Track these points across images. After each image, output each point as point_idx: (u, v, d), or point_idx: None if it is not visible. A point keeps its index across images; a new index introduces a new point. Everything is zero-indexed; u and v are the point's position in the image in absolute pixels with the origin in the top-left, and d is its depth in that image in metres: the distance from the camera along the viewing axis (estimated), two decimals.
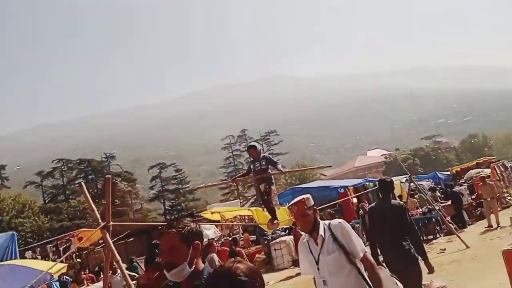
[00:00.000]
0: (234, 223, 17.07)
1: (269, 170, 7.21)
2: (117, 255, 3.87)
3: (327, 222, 3.09)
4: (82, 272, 15.93)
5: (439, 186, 19.03)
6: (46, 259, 17.43)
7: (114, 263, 9.14)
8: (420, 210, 13.65)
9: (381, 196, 5.23)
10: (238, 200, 49.87)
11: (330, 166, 10.26)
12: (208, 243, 9.62)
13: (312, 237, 3.04)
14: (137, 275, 9.25)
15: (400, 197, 14.90)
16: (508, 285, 3.45)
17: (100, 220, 3.89)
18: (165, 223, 2.23)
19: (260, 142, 70.84)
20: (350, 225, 13.41)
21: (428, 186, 18.56)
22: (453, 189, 15.43)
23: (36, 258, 17.58)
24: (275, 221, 7.46)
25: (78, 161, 54.45)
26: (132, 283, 8.44)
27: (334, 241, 2.95)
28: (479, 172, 18.74)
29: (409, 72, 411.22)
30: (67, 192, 51.40)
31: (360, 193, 15.85)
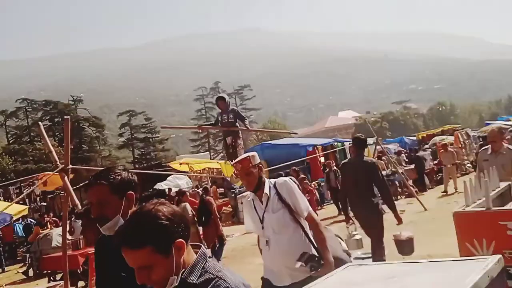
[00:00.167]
0: (203, 174, 17.17)
1: (237, 124, 7.16)
2: (76, 199, 3.81)
3: (272, 180, 3.02)
4: (46, 216, 15.80)
5: (404, 150, 19.65)
6: (9, 201, 17.14)
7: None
8: (385, 172, 14.11)
9: (354, 153, 5.50)
10: (208, 152, 50.10)
11: (296, 133, 10.34)
12: (181, 192, 9.74)
13: (257, 195, 2.96)
14: None
15: None
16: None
17: (58, 163, 3.77)
18: (94, 174, 2.02)
19: (234, 96, 70.28)
20: (316, 183, 13.71)
21: (394, 150, 19.13)
22: (417, 154, 15.97)
23: None
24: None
25: (44, 102, 52.56)
26: None
27: (279, 199, 2.89)
28: (443, 139, 19.39)
29: (386, 36, 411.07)
30: (32, 134, 49.85)
31: (327, 152, 16.16)
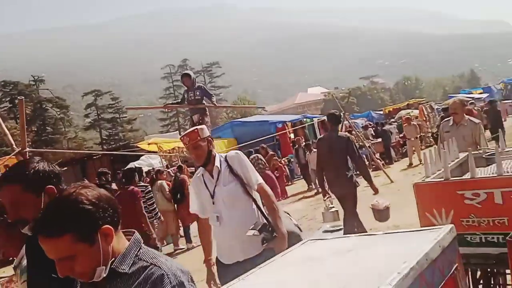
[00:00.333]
0: (171, 154, 16.99)
1: (204, 102, 7.08)
2: None
3: (223, 154, 2.96)
4: None
5: (372, 125, 20.07)
6: None
7: None
8: None
9: (329, 128, 5.67)
10: (178, 132, 49.56)
11: (263, 108, 10.33)
12: (157, 171, 9.83)
13: (207, 170, 2.86)
14: None
15: None
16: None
17: (14, 146, 3.62)
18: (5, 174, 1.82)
19: (202, 74, 69.29)
20: (286, 159, 13.84)
21: (362, 124, 19.50)
22: (383, 128, 16.35)
23: None
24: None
25: (3, 83, 50.15)
26: None
27: (230, 172, 2.81)
28: (409, 113, 19.90)
29: (355, 12, 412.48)
30: None
31: (296, 128, 16.29)
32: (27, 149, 3.70)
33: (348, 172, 5.29)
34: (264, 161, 5.75)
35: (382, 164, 12.66)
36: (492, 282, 2.98)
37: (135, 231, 1.39)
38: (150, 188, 7.24)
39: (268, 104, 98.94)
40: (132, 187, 6.14)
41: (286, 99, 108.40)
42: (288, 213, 3.41)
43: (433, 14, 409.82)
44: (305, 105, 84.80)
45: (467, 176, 3.03)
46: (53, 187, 1.73)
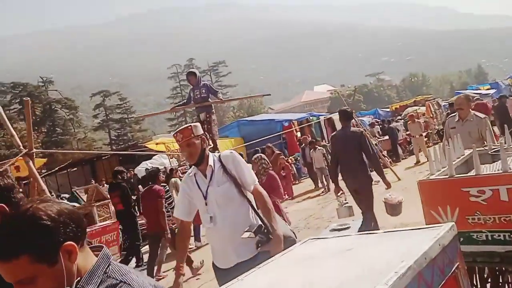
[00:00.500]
0: (179, 153, 17.04)
1: (210, 99, 7.10)
2: (43, 184, 3.71)
3: (217, 153, 2.87)
4: (21, 203, 15.45)
5: (379, 122, 19.98)
6: None
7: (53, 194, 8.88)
8: None
9: (342, 124, 5.76)
10: None
11: (269, 94, 10.19)
12: (171, 169, 9.95)
13: (200, 169, 2.75)
14: (77, 205, 9.14)
15: None
16: None
17: (21, 147, 3.65)
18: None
19: (209, 73, 69.40)
20: (293, 157, 13.78)
21: (369, 121, 19.41)
22: (390, 125, 16.26)
23: None
24: (215, 152, 7.44)
25: (12, 85, 50.61)
26: None
27: (224, 172, 2.70)
28: (416, 110, 19.77)
29: (360, 8, 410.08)
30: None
31: (302, 126, 16.25)
32: (34, 150, 3.74)
33: (364, 167, 5.38)
34: (268, 160, 5.72)
35: (389, 162, 12.60)
36: (501, 281, 2.95)
37: (103, 246, 1.28)
38: (168, 187, 7.32)
39: (275, 103, 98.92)
40: (156, 185, 6.31)
41: (292, 98, 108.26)
42: (285, 219, 3.31)
43: (438, 10, 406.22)
44: (311, 103, 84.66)
45: (472, 173, 3.01)
46: (3, 205, 1.56)
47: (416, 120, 14.22)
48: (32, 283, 1.11)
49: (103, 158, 21.42)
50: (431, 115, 18.54)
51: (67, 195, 14.01)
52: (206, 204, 2.69)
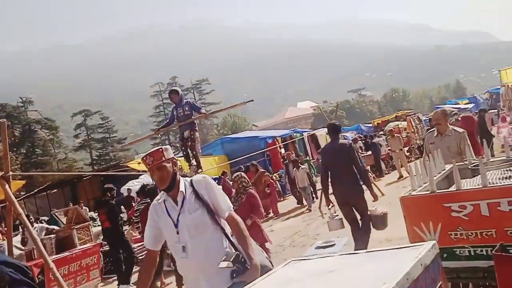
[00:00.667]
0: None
1: (193, 116, 7.07)
2: (19, 208, 3.62)
3: (188, 178, 2.67)
4: None
5: (361, 138, 20.19)
6: None
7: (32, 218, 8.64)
8: None
9: (331, 138, 5.90)
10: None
11: (251, 101, 10.22)
12: None
13: (170, 195, 2.57)
14: (56, 228, 8.90)
15: None
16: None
17: None
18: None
19: (192, 91, 69.48)
20: (278, 174, 13.69)
21: (351, 137, 19.59)
22: (373, 141, 16.42)
23: None
24: (199, 170, 7.37)
25: None
26: (51, 236, 8.15)
27: (196, 198, 2.53)
28: (397, 125, 20.05)
29: (341, 26, 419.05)
30: None
31: (286, 142, 16.30)
32: (11, 173, 3.65)
33: (355, 177, 5.46)
34: (247, 179, 5.68)
35: (373, 177, 12.68)
36: None
37: None
38: None
39: (259, 120, 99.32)
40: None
41: (276, 114, 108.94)
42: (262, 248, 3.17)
43: (417, 26, 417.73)
44: (295, 119, 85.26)
45: (453, 188, 3.03)
46: None
47: (395, 135, 14.39)
48: None
49: (84, 178, 21.04)
50: (413, 130, 18.82)
51: (46, 218, 13.66)
52: (177, 233, 2.51)
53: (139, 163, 16.90)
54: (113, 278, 8.07)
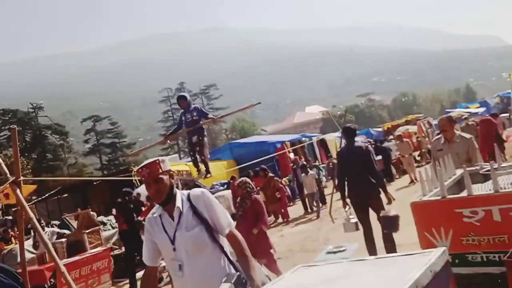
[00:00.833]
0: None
1: (201, 122, 7.10)
2: (30, 212, 3.66)
3: (185, 192, 2.52)
4: (10, 230, 15.20)
5: (371, 142, 20.08)
6: None
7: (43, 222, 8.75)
8: None
9: (346, 141, 6.03)
10: (178, 155, 49.59)
11: (259, 103, 10.11)
12: (195, 185, 9.92)
13: (166, 210, 2.43)
14: (67, 232, 8.97)
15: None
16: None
17: (8, 175, 3.61)
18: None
19: (200, 96, 69.80)
20: (287, 179, 13.61)
21: (361, 141, 19.48)
22: (383, 145, 16.33)
23: None
24: (208, 175, 7.41)
25: (1, 111, 50.36)
26: (62, 240, 8.21)
27: (194, 214, 2.39)
28: (407, 129, 19.94)
29: (349, 30, 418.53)
30: None
31: (295, 147, 16.29)
32: (21, 178, 3.70)
33: (371, 180, 5.49)
34: (252, 184, 5.68)
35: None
36: None
37: None
38: None
39: (267, 124, 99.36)
40: None
41: (285, 119, 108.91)
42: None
43: (426, 31, 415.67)
44: (304, 124, 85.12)
45: (464, 193, 3.01)
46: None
47: (404, 139, 14.30)
48: None
49: (95, 183, 21.18)
50: (423, 134, 18.68)
51: (57, 222, 13.78)
52: (174, 250, 2.38)
53: None
54: (124, 282, 8.11)
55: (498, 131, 12.47)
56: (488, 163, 3.80)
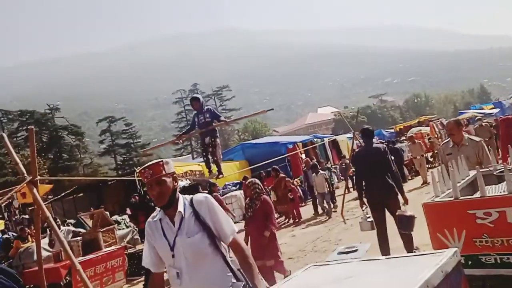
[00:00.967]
0: (185, 178, 17.07)
1: (213, 123, 7.16)
2: (47, 211, 3.73)
3: (188, 196, 2.41)
4: (26, 228, 15.50)
5: (383, 143, 19.93)
6: None
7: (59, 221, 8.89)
8: None
9: (364, 142, 6.15)
10: (190, 155, 49.87)
11: (272, 109, 9.94)
12: (211, 184, 10.15)
13: (167, 214, 2.33)
14: (83, 231, 9.10)
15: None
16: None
17: (26, 175, 3.69)
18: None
19: (213, 97, 70.11)
20: (299, 179, 13.53)
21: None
22: (395, 146, 16.19)
23: None
24: (220, 176, 7.46)
25: (19, 113, 51.31)
26: (78, 238, 8.35)
27: (196, 220, 2.29)
28: (420, 130, 19.76)
29: (358, 30, 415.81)
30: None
31: (307, 148, 16.26)
32: (38, 177, 3.77)
33: (388, 179, 5.54)
34: (261, 185, 5.69)
35: None
36: None
37: None
38: None
39: (279, 125, 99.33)
40: None
41: (296, 120, 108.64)
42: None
43: (439, 31, 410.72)
44: (315, 125, 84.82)
45: (477, 195, 2.99)
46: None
47: (416, 141, 14.17)
48: None
49: (109, 183, 21.45)
50: (436, 135, 18.51)
51: (72, 221, 14.00)
52: (173, 256, 2.28)
53: None
54: (138, 280, 8.21)
55: None
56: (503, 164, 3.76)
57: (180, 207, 2.32)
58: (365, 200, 5.76)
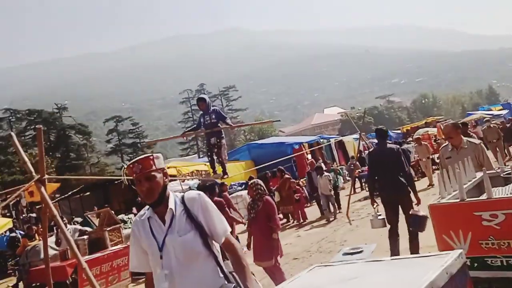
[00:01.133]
0: (191, 177, 17.12)
1: (219, 124, 7.17)
2: (54, 210, 3.77)
3: (179, 194, 2.29)
4: (34, 227, 15.63)
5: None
6: None
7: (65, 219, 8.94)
8: None
9: (379, 142, 6.25)
10: (197, 155, 49.99)
11: (279, 120, 9.84)
12: (221, 183, 9.89)
13: (156, 212, 2.19)
14: (89, 230, 9.15)
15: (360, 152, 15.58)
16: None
17: (34, 173, 3.73)
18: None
19: (219, 97, 70.21)
20: (304, 180, 13.48)
21: None
22: (402, 147, 16.12)
23: None
24: (225, 176, 7.48)
25: (27, 112, 51.75)
26: (84, 237, 8.40)
27: (188, 218, 2.16)
28: (427, 131, 19.64)
29: (367, 31, 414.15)
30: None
31: (313, 148, 16.23)
32: (46, 176, 3.81)
33: (401, 178, 5.59)
34: (264, 186, 5.66)
35: None
36: None
37: None
38: None
39: (285, 126, 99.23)
40: (215, 198, 6.18)
41: (302, 120, 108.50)
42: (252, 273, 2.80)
43: (446, 31, 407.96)
44: (322, 125, 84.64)
45: (483, 196, 2.97)
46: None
47: (423, 142, 14.10)
48: None
49: (116, 182, 21.55)
50: (443, 137, 18.37)
51: (79, 220, 14.09)
52: (161, 258, 2.12)
53: (168, 167, 17.26)
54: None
55: None
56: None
57: (171, 204, 2.19)
58: (377, 199, 5.83)
